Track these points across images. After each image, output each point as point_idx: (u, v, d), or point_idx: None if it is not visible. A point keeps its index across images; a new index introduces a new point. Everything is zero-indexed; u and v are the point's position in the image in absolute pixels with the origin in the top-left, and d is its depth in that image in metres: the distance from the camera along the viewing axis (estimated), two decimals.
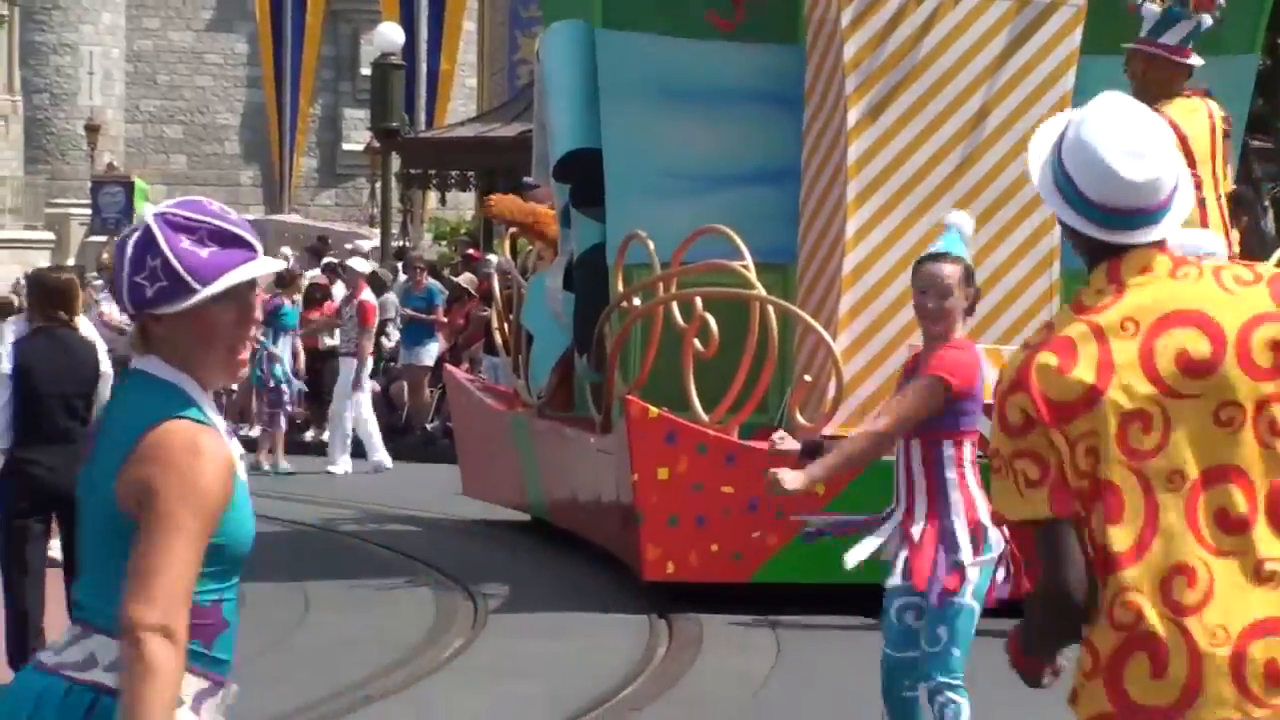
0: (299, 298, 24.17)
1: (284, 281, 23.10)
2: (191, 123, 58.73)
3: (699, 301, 12.67)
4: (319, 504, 18.26)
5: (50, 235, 40.61)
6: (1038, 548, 3.93)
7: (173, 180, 56.55)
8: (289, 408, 22.38)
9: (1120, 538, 3.88)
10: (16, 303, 21.90)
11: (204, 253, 3.52)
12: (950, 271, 7.40)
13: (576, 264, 14.54)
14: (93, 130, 52.17)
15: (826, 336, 13.03)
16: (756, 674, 10.66)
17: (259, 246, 3.61)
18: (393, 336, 24.36)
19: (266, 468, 21.43)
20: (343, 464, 21.68)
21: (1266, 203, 30.06)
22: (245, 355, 3.65)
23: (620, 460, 12.70)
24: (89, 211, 40.48)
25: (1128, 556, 3.88)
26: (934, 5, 13.54)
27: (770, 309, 12.90)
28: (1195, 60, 12.17)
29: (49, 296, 10.42)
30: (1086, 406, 3.89)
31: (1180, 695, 3.85)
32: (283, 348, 22.15)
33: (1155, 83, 11.97)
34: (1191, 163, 11.73)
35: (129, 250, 3.58)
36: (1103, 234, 3.93)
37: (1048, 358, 3.91)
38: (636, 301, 13.41)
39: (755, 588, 12.32)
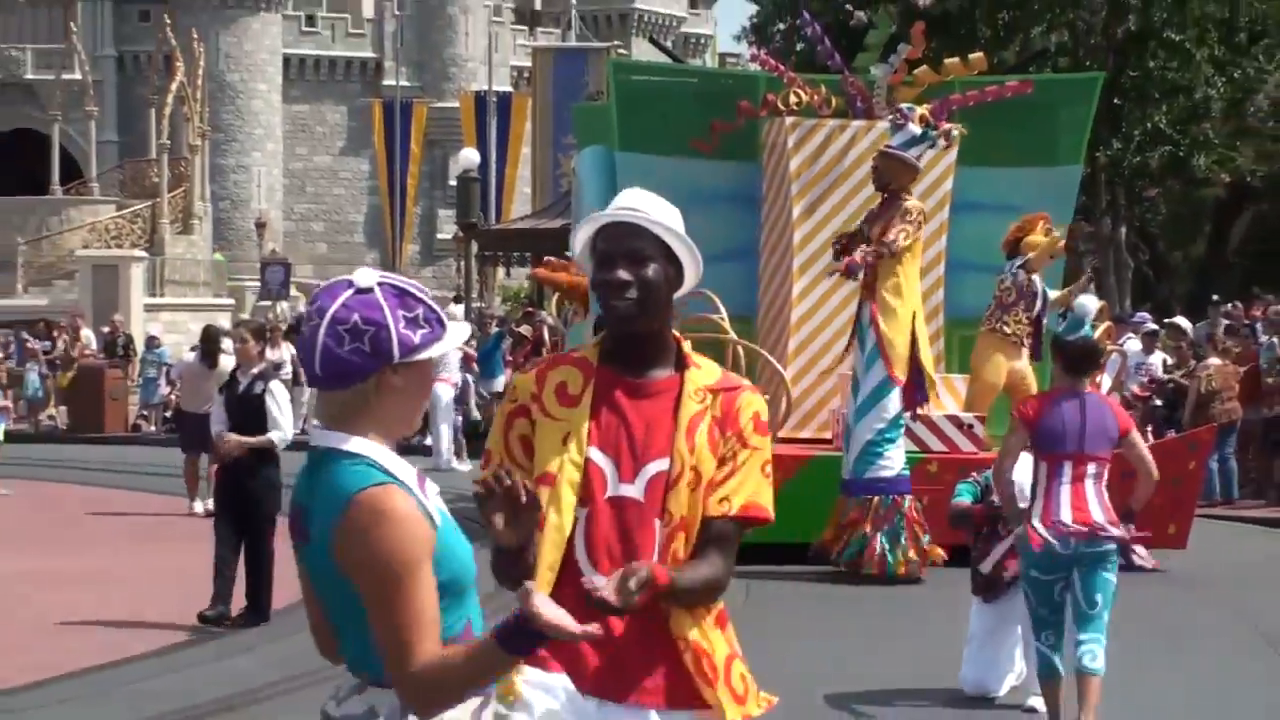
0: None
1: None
2: (330, 220, 58.94)
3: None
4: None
5: (231, 301, 40.82)
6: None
7: (318, 262, 56.69)
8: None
9: None
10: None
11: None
12: None
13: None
14: (260, 226, 52.14)
15: (779, 367, 13.08)
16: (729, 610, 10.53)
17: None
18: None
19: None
20: (457, 462, 21.73)
21: (1090, 272, 30.13)
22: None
23: None
24: (258, 284, 40.59)
25: None
26: (853, 133, 13.61)
27: (739, 348, 12.95)
28: (921, 164, 12.19)
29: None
30: None
31: None
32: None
33: (897, 178, 11.95)
34: (919, 226, 11.76)
35: (383, 302, 2.74)
36: None
37: None
38: None
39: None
